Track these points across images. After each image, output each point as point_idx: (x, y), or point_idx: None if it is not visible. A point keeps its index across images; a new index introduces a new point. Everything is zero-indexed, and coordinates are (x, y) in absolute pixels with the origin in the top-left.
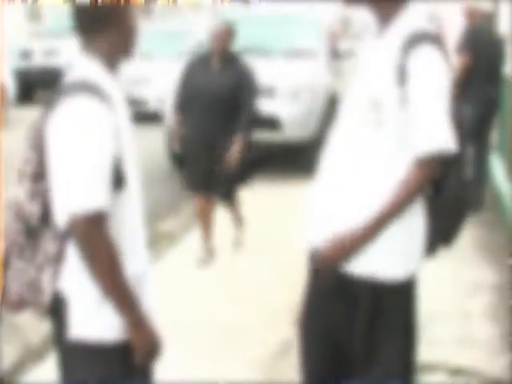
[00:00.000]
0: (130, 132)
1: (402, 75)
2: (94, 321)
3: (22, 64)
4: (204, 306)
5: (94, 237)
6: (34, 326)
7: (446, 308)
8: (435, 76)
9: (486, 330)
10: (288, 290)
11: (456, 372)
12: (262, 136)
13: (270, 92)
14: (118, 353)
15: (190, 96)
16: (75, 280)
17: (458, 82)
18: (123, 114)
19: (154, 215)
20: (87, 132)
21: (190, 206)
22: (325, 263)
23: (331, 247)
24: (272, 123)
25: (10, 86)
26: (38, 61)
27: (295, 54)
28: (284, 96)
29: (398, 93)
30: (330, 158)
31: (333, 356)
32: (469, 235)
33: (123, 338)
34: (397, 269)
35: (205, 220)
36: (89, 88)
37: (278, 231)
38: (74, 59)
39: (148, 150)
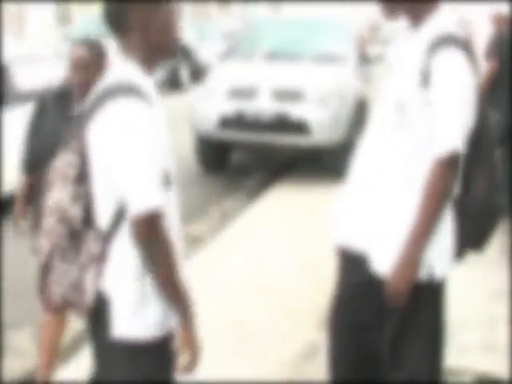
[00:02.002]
0: (166, 132)
1: (425, 77)
2: (136, 320)
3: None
4: (230, 308)
5: (157, 235)
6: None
7: (472, 313)
8: (458, 79)
9: (510, 336)
10: (313, 291)
11: (482, 377)
12: (291, 140)
13: (298, 96)
14: (157, 350)
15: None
16: (117, 280)
17: (486, 87)
18: (161, 113)
19: (181, 217)
20: (140, 133)
21: (218, 210)
22: (397, 294)
23: (395, 278)
24: (300, 127)
25: None
26: None
27: (324, 58)
28: (313, 100)
29: (421, 95)
30: (361, 161)
31: (361, 356)
32: (495, 241)
33: (162, 334)
34: (425, 271)
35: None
36: (134, 90)
37: (305, 233)
38: (113, 61)
39: (176, 153)
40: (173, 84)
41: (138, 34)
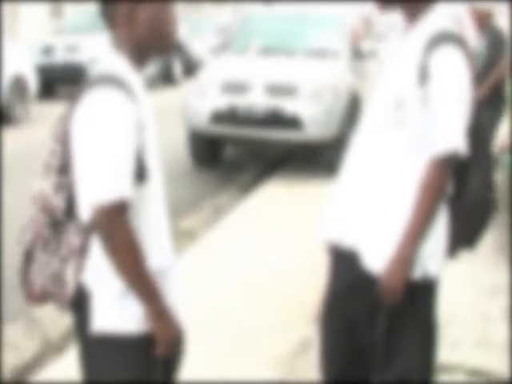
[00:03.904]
0: (153, 127)
1: (423, 75)
2: (117, 313)
3: (45, 60)
4: (222, 304)
5: (116, 226)
6: (54, 321)
7: (465, 310)
8: (456, 77)
9: (504, 332)
10: (307, 287)
11: (474, 373)
12: (284, 135)
13: (291, 91)
14: (140, 345)
15: None
16: (98, 273)
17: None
18: (147, 109)
19: (174, 212)
20: (111, 123)
21: (210, 205)
22: (392, 292)
23: (390, 276)
24: (293, 122)
25: (33, 82)
26: (60, 57)
27: (318, 53)
28: (306, 95)
29: (419, 92)
30: (354, 157)
31: (353, 353)
32: (490, 237)
33: (146, 330)
34: (417, 269)
35: None
36: (113, 81)
37: (298, 230)
38: (102, 53)
39: (168, 146)
40: (166, 78)
41: (124, 29)
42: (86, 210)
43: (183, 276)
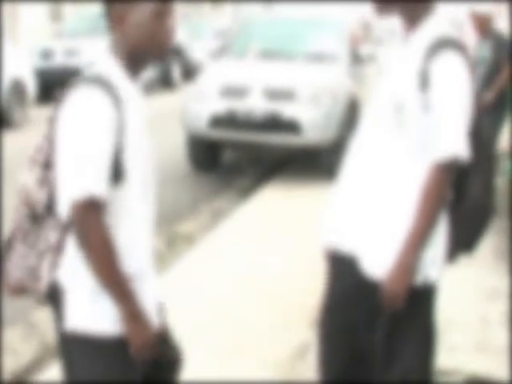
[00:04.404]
0: (143, 133)
1: (424, 80)
2: (91, 313)
3: (44, 64)
4: (221, 307)
5: (89, 223)
6: (52, 325)
7: (464, 314)
8: (457, 82)
9: (503, 337)
10: (306, 290)
11: (473, 377)
12: (282, 139)
13: (290, 96)
14: (116, 346)
15: None
16: (73, 271)
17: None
18: (136, 114)
19: (172, 216)
20: (88, 122)
21: (209, 209)
22: (394, 299)
23: (393, 283)
24: (292, 127)
25: (32, 86)
26: (59, 61)
27: (316, 57)
28: (304, 100)
29: (420, 98)
30: (353, 161)
31: (352, 356)
32: (490, 242)
33: (121, 331)
34: (420, 274)
35: None
36: (98, 82)
37: (297, 233)
38: (98, 56)
39: (167, 150)
40: (164, 82)
41: (117, 33)
42: (64, 206)
43: (181, 279)
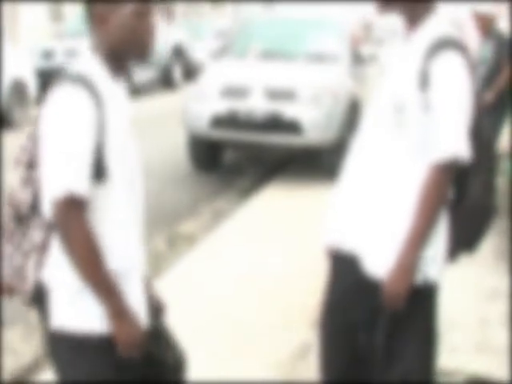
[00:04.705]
0: (126, 133)
1: (424, 80)
2: (75, 311)
3: (44, 64)
4: (222, 307)
5: (71, 220)
6: None
7: (465, 314)
8: (457, 83)
9: (503, 337)
10: (307, 290)
11: (473, 378)
12: (283, 139)
13: (291, 96)
14: (103, 344)
15: None
16: (58, 270)
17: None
18: (117, 113)
19: (173, 216)
20: (68, 121)
21: (210, 209)
22: (395, 299)
23: (393, 283)
24: (293, 127)
25: (32, 86)
26: (60, 61)
27: (317, 58)
28: (305, 100)
29: (420, 98)
30: (354, 161)
31: (352, 356)
32: (490, 242)
33: (108, 329)
34: (420, 274)
35: None
36: (78, 80)
37: (297, 233)
38: (80, 55)
39: (168, 150)
40: (165, 82)
41: (98, 32)
42: (47, 205)
43: (182, 279)
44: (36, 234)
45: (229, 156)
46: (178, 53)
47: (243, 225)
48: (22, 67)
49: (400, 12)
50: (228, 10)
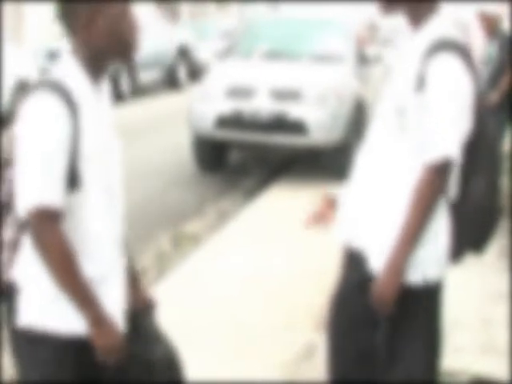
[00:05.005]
0: (106, 139)
1: (421, 82)
2: (45, 311)
3: (49, 64)
4: (227, 308)
5: (45, 232)
6: None
7: (469, 315)
8: (453, 84)
9: (507, 338)
10: (312, 291)
11: (477, 379)
12: (288, 140)
13: (296, 96)
14: (69, 346)
15: None
16: (28, 269)
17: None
18: (94, 120)
19: (178, 216)
20: (40, 130)
21: (215, 209)
22: (384, 301)
23: (382, 285)
24: (298, 127)
25: None
26: None
27: (322, 58)
28: (311, 100)
29: (417, 100)
30: (363, 161)
31: (357, 353)
32: (494, 243)
33: (77, 331)
34: (415, 275)
35: None
36: (52, 87)
37: (302, 234)
38: (57, 59)
39: (173, 151)
40: (170, 83)
41: (82, 36)
42: (21, 208)
43: (187, 279)
44: (8, 232)
45: (234, 156)
46: (183, 53)
47: (248, 225)
48: (26, 67)
49: (403, 12)
50: (233, 10)
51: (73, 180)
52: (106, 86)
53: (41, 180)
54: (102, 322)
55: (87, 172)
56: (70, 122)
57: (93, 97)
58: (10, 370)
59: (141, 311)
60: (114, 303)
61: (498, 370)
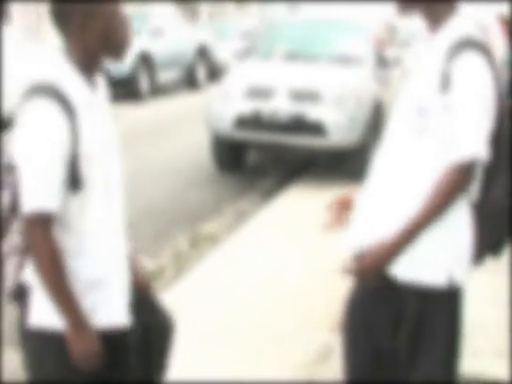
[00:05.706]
0: (105, 138)
1: (445, 82)
2: (53, 312)
3: None
4: (244, 308)
5: (37, 236)
6: None
7: (487, 319)
8: (478, 84)
9: None
10: (329, 293)
11: (494, 382)
12: (307, 141)
13: (315, 97)
14: None
15: None
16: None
17: None
18: (93, 122)
19: (196, 216)
20: (37, 137)
21: (233, 210)
22: (365, 270)
23: (370, 254)
24: (317, 129)
25: None
26: None
27: (342, 59)
28: (329, 102)
29: (441, 100)
30: (379, 164)
31: (375, 360)
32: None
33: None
34: (440, 276)
35: None
36: (47, 92)
37: (320, 235)
38: (48, 60)
39: (192, 151)
40: (189, 83)
41: (76, 36)
42: (22, 212)
43: (204, 279)
44: (15, 237)
45: (252, 157)
46: (202, 53)
47: (266, 226)
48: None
49: (421, 12)
50: (253, 10)
51: (74, 181)
52: (101, 84)
53: (38, 186)
54: (81, 327)
55: (88, 173)
56: (67, 126)
57: (89, 96)
58: (10, 369)
59: (141, 290)
60: (117, 301)
61: None
